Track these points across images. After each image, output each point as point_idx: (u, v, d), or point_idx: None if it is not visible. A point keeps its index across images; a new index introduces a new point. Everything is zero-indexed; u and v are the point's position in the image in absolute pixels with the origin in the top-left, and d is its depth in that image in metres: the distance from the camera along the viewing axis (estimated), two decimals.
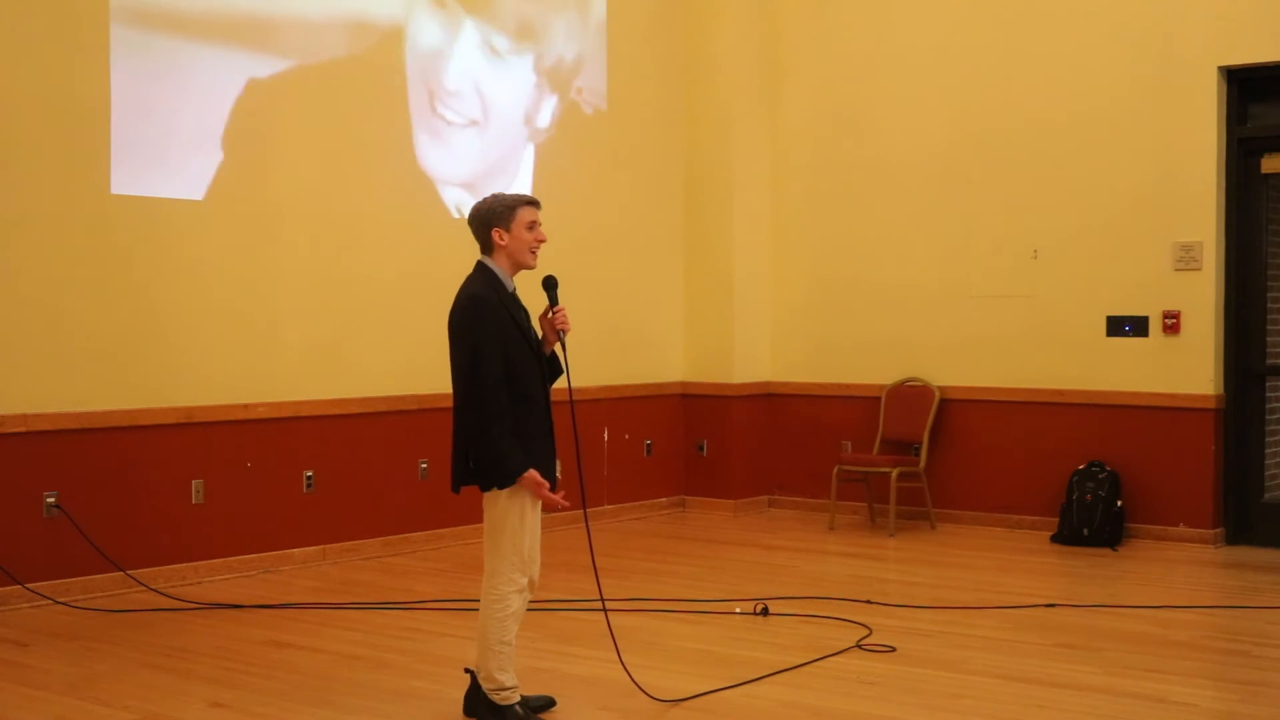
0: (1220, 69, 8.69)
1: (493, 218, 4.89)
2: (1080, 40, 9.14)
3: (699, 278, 10.40)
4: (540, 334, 5.01)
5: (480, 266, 4.94)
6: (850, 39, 10.09)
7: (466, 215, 5.04)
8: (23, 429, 6.96)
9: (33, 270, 7.02)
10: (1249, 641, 6.38)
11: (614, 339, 9.83)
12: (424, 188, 8.71)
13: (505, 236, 4.88)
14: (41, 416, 7.02)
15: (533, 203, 4.96)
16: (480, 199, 5.00)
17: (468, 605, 6.76)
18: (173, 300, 7.54)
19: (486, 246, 4.92)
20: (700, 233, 10.38)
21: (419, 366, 8.45)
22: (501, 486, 4.82)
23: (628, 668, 5.30)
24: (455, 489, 5.01)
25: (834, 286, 10.18)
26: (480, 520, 5.00)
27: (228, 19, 7.74)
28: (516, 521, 4.87)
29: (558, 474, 5.05)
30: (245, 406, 7.82)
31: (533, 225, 4.92)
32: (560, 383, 5.06)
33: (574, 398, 5.04)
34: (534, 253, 4.94)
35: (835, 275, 10.17)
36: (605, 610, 5.49)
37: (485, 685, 4.93)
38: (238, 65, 7.78)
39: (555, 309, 4.98)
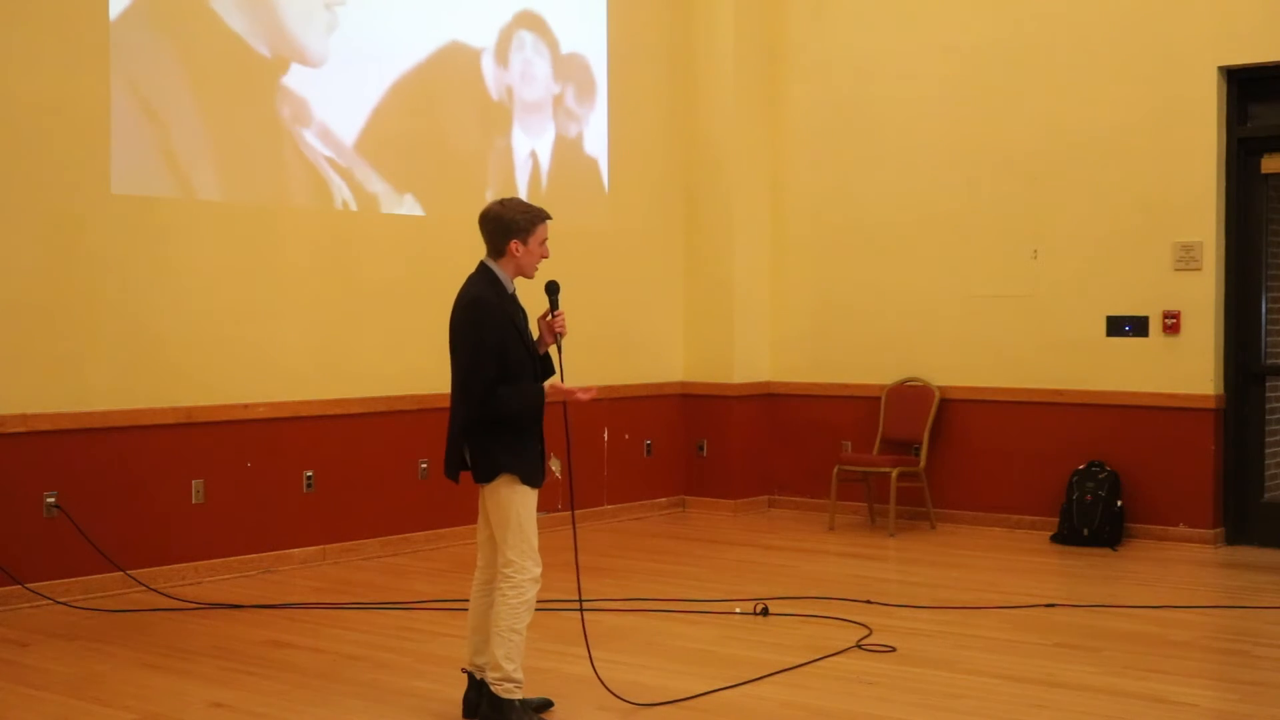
0: (1220, 69, 8.69)
1: (514, 229, 4.95)
2: (1080, 41, 9.14)
3: (699, 277, 10.40)
4: (537, 334, 5.11)
5: (483, 268, 5.01)
6: (851, 40, 10.09)
7: (481, 212, 5.05)
8: (23, 429, 6.96)
9: (33, 270, 7.02)
10: (1249, 641, 6.38)
11: (614, 339, 9.83)
12: (427, 187, 8.71)
13: (520, 249, 4.96)
14: (41, 416, 7.02)
15: (549, 218, 5.06)
16: (499, 201, 5.05)
17: (467, 605, 6.75)
18: (173, 300, 7.54)
19: (497, 252, 4.99)
20: (701, 231, 10.38)
21: (418, 367, 8.45)
22: (537, 412, 4.91)
23: (595, 667, 5.31)
24: (449, 476, 5.09)
25: (834, 286, 10.17)
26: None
27: (228, 16, 7.74)
28: (520, 510, 4.92)
29: (553, 471, 5.09)
30: (245, 406, 7.82)
31: (544, 241, 5.02)
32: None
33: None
34: (537, 266, 5.04)
35: (835, 275, 10.17)
36: (581, 610, 5.50)
37: (491, 675, 4.94)
38: (238, 64, 7.79)
39: (555, 313, 5.10)
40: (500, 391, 4.84)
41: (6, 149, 6.93)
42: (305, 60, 8.08)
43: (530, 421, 4.96)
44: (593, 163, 9.84)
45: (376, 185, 8.47)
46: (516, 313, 4.99)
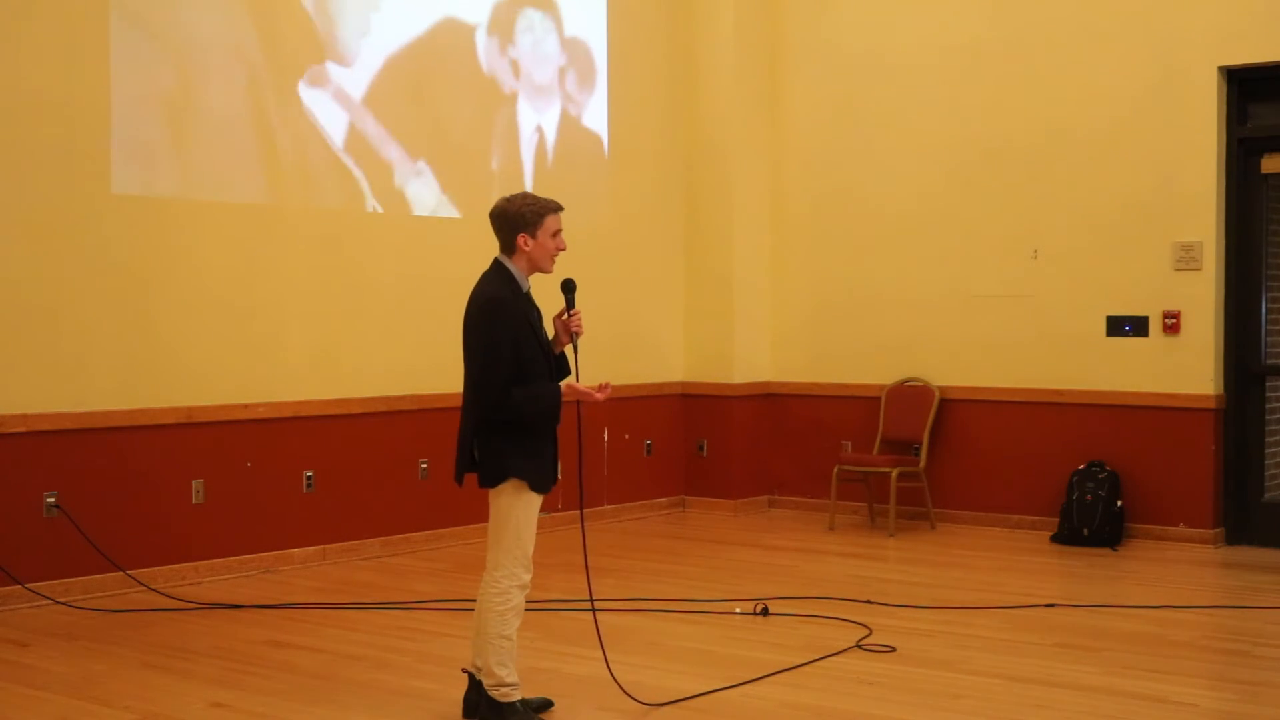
0: (1220, 69, 8.69)
1: (521, 223, 4.87)
2: (1081, 40, 9.14)
3: (699, 277, 10.40)
4: (552, 334, 5.05)
5: (497, 265, 4.95)
6: (852, 39, 10.09)
7: (490, 210, 4.98)
8: (23, 429, 6.96)
9: (33, 270, 7.02)
10: (1249, 641, 6.38)
11: (614, 339, 9.81)
12: (430, 187, 8.71)
13: (530, 243, 4.88)
14: (41, 416, 7.02)
15: (559, 209, 4.96)
16: (506, 197, 4.98)
17: (467, 605, 6.74)
18: (173, 300, 7.54)
19: (508, 248, 4.92)
20: (700, 232, 10.38)
21: (419, 367, 8.46)
22: (554, 416, 4.87)
23: (612, 670, 5.30)
24: (458, 479, 5.04)
25: (834, 286, 10.17)
26: (482, 520, 5.02)
27: (228, 16, 7.74)
28: (520, 516, 4.88)
29: (558, 473, 5.06)
30: (245, 406, 7.82)
31: (557, 233, 4.93)
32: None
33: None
34: (553, 260, 4.95)
35: (835, 275, 10.17)
36: (594, 610, 5.49)
37: (486, 681, 4.93)
38: (238, 63, 7.79)
39: (571, 312, 5.03)
40: (515, 393, 4.77)
41: (6, 148, 6.93)
42: (338, 58, 8.10)
43: (546, 424, 4.92)
44: (593, 161, 9.84)
45: (378, 185, 8.47)
46: (531, 311, 4.92)
